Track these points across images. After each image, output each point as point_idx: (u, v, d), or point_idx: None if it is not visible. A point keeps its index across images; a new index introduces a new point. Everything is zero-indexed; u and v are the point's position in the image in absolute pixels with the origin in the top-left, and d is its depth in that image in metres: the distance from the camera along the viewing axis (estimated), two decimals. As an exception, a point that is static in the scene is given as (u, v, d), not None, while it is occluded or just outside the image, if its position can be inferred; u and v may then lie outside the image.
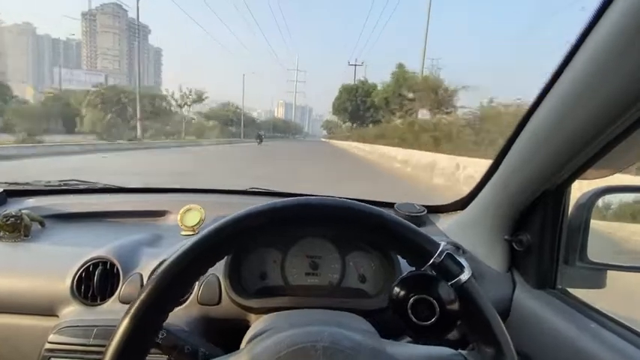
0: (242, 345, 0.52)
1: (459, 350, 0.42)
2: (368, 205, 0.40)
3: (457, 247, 0.82)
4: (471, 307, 0.38)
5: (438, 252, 0.38)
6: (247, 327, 0.63)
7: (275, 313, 0.61)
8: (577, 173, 0.59)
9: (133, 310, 0.36)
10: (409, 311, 0.38)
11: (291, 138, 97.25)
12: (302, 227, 0.40)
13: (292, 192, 1.13)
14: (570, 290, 0.69)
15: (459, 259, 0.39)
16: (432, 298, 0.37)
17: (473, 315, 0.38)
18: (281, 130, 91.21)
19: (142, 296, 0.36)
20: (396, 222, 0.39)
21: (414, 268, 0.41)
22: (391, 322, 0.50)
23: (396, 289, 0.39)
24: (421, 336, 0.39)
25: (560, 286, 0.69)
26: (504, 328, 0.39)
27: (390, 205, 1.02)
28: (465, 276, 0.38)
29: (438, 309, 0.37)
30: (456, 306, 0.37)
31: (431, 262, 0.38)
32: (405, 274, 0.40)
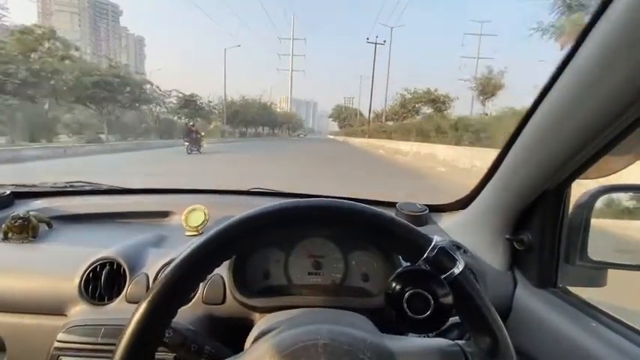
0: (246, 345, 0.53)
1: (456, 341, 0.44)
2: (365, 205, 0.41)
3: (458, 247, 0.82)
4: (465, 299, 0.39)
5: (431, 247, 0.39)
6: (251, 325, 0.64)
7: (278, 313, 0.62)
8: (577, 172, 0.60)
9: (141, 309, 0.37)
10: (404, 305, 0.39)
11: (285, 136, 61.45)
12: (300, 229, 0.41)
13: (295, 192, 1.14)
14: (571, 289, 0.69)
15: (453, 253, 0.40)
16: (426, 292, 0.38)
17: (467, 306, 0.40)
18: (253, 120, 44.21)
19: (151, 295, 0.37)
20: (388, 219, 0.40)
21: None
22: (394, 321, 0.51)
23: (392, 284, 0.40)
24: (416, 329, 0.40)
25: (561, 285, 0.69)
26: (498, 317, 0.40)
27: (392, 205, 1.03)
28: (457, 269, 0.39)
29: (432, 302, 0.38)
30: (449, 299, 0.38)
31: (424, 256, 0.39)
32: (400, 269, 0.41)
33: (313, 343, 0.38)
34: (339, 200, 0.41)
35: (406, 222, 0.41)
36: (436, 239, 0.40)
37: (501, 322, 0.40)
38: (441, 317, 0.38)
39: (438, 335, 0.45)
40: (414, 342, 0.44)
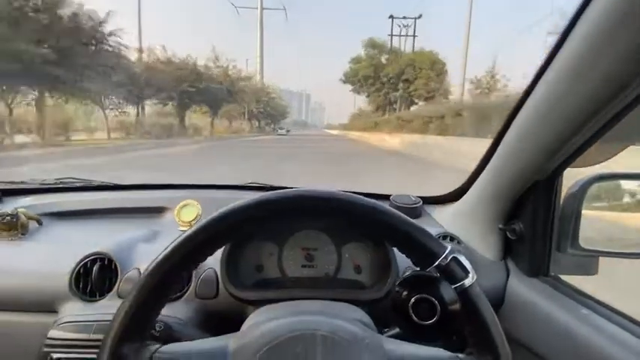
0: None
1: (457, 354, 0.42)
2: (375, 201, 0.39)
3: (452, 238, 0.83)
4: (473, 312, 0.38)
5: (444, 254, 0.38)
6: (245, 319, 0.64)
7: (273, 304, 0.62)
8: (567, 162, 0.60)
9: (129, 302, 0.37)
10: (410, 310, 0.38)
11: (240, 137, 25.47)
12: (303, 220, 0.40)
13: (291, 186, 1.13)
14: (563, 277, 0.70)
15: (465, 264, 0.39)
16: (433, 299, 0.38)
17: (474, 320, 0.38)
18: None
19: (137, 289, 0.37)
20: (404, 221, 0.39)
21: (406, 259, 0.41)
22: (386, 313, 0.51)
23: (399, 289, 0.39)
24: (420, 335, 0.39)
25: (553, 274, 0.70)
26: (503, 334, 0.39)
27: (386, 197, 1.03)
28: (469, 281, 0.38)
29: (439, 309, 0.37)
30: (457, 307, 0.37)
31: (436, 263, 0.38)
32: (407, 273, 0.40)
33: (311, 333, 0.37)
34: (358, 196, 0.39)
35: (421, 226, 0.40)
36: (450, 247, 0.39)
37: (505, 340, 0.38)
38: (447, 325, 0.38)
39: (437, 345, 0.44)
40: (413, 349, 0.43)
